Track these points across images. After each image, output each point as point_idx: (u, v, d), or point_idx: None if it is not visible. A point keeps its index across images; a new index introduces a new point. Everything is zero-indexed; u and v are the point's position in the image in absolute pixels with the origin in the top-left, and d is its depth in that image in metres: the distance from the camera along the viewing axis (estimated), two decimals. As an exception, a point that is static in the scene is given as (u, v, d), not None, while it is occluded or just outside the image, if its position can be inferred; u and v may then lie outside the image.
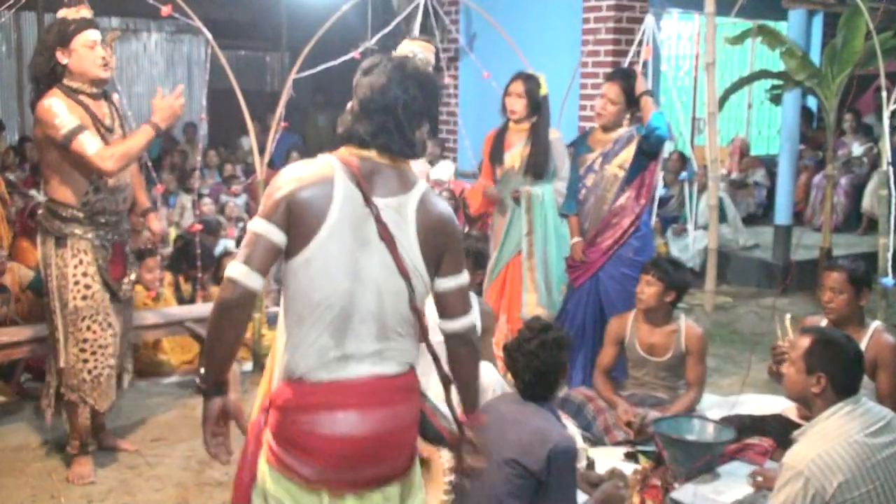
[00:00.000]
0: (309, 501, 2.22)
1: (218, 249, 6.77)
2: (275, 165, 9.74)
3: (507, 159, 5.24)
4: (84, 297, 3.95)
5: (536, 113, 5.17)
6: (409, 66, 2.26)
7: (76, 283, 3.94)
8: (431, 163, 9.07)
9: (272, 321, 5.76)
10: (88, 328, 3.97)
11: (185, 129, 11.12)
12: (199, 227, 6.24)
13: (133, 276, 4.21)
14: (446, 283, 2.31)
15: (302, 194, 2.16)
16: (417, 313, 2.26)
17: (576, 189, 4.96)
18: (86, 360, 3.97)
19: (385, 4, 8.60)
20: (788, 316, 4.05)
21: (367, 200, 2.18)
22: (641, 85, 4.76)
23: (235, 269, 2.15)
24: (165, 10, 5.34)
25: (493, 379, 3.88)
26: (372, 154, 2.23)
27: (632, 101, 4.76)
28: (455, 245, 2.30)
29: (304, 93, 10.34)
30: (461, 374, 2.41)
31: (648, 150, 4.74)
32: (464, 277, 2.34)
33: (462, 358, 2.39)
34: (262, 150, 5.80)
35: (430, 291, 2.31)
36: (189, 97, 12.31)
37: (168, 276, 6.02)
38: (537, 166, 5.15)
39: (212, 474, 4.13)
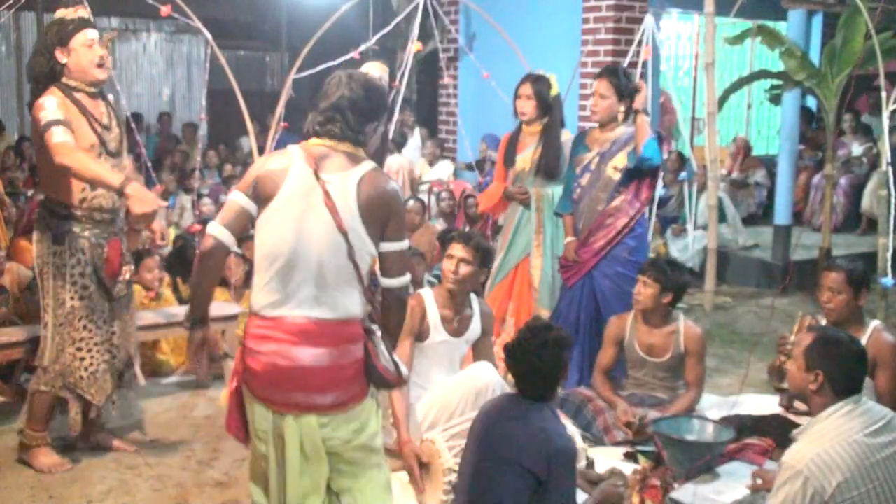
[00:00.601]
0: (262, 413, 2.76)
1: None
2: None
3: (519, 161, 5.23)
4: (81, 298, 3.96)
5: (548, 114, 5.16)
6: (357, 75, 2.84)
7: (74, 283, 3.95)
8: (431, 163, 9.07)
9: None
10: (85, 327, 3.98)
11: (184, 130, 11.11)
12: (198, 227, 6.24)
13: (128, 276, 4.19)
14: (388, 247, 2.78)
15: (264, 173, 2.75)
16: (355, 265, 2.70)
17: (571, 188, 4.96)
18: (82, 358, 3.99)
19: (385, 5, 8.61)
20: (809, 316, 4.08)
21: (316, 176, 2.70)
22: (640, 101, 4.76)
23: (213, 227, 2.76)
24: (165, 10, 5.35)
25: (492, 379, 3.88)
26: (325, 142, 2.76)
27: (622, 96, 4.76)
28: (395, 216, 2.76)
29: (303, 93, 10.32)
30: (389, 320, 2.88)
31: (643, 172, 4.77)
32: (402, 244, 2.80)
33: (391, 308, 2.86)
34: (261, 151, 5.80)
35: (371, 253, 2.75)
36: (189, 97, 12.34)
37: (167, 277, 6.01)
38: (548, 167, 5.12)
39: (211, 474, 4.13)
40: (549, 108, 5.14)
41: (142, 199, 3.57)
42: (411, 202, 7.52)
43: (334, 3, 6.50)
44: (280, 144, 7.64)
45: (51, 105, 3.79)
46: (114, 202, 4.04)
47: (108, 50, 4.08)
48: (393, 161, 8.36)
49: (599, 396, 4.48)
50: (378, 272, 2.84)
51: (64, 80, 3.92)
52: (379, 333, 2.82)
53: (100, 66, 3.95)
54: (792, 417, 4.09)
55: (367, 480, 2.84)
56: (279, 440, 2.74)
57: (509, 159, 5.28)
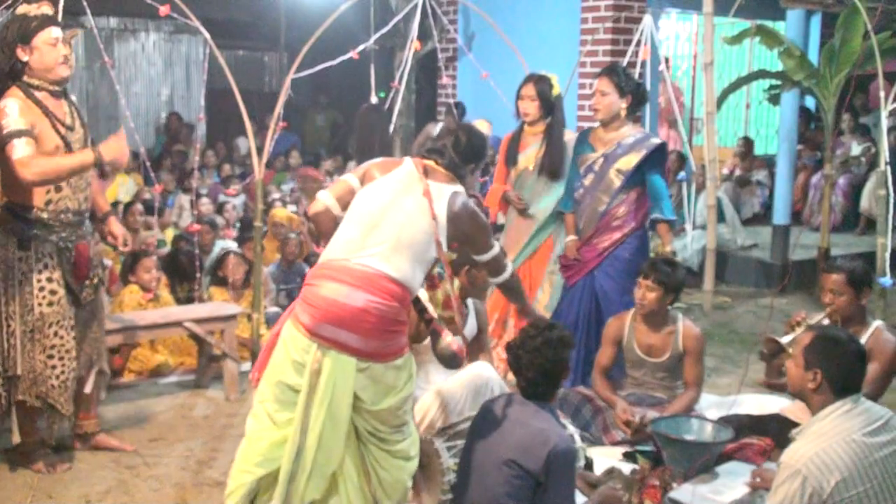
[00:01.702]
0: (305, 346, 3.02)
1: (215, 250, 6.76)
2: (273, 165, 9.76)
3: (521, 160, 5.22)
4: (50, 304, 3.88)
5: (550, 114, 5.15)
6: (464, 124, 3.43)
7: (41, 288, 3.86)
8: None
9: (270, 321, 5.75)
10: (55, 334, 3.90)
11: (183, 130, 11.11)
12: (197, 227, 6.23)
13: (95, 280, 4.11)
14: (483, 258, 3.35)
15: (378, 163, 3.33)
16: (437, 245, 3.13)
17: (573, 187, 4.96)
18: (54, 367, 3.90)
19: (383, 4, 8.59)
20: (804, 312, 4.11)
21: (422, 176, 3.18)
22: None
23: (323, 194, 3.33)
24: (164, 9, 5.34)
25: (492, 378, 3.88)
26: (431, 163, 3.27)
27: (623, 92, 4.77)
28: (476, 232, 3.26)
29: (302, 93, 10.33)
30: (511, 300, 3.87)
31: None
32: (493, 251, 3.34)
33: (507, 293, 3.66)
34: (259, 151, 5.79)
35: (444, 248, 3.17)
36: (188, 97, 12.33)
37: (165, 278, 6.00)
38: (552, 167, 5.11)
39: (210, 474, 4.13)
40: (551, 108, 5.14)
41: (117, 156, 3.82)
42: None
43: (333, 2, 6.48)
44: (279, 144, 7.63)
45: (13, 111, 3.70)
46: (79, 203, 3.96)
47: (71, 48, 3.97)
48: None
49: (599, 396, 4.48)
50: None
51: (25, 78, 3.82)
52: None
53: (63, 63, 3.85)
54: (790, 417, 4.09)
55: (392, 452, 3.13)
56: (315, 376, 2.99)
57: (511, 159, 5.27)
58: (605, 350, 4.57)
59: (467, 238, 3.27)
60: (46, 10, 3.89)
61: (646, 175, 4.80)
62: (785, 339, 3.89)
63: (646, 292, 4.39)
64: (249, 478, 3.08)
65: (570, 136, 5.22)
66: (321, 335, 2.99)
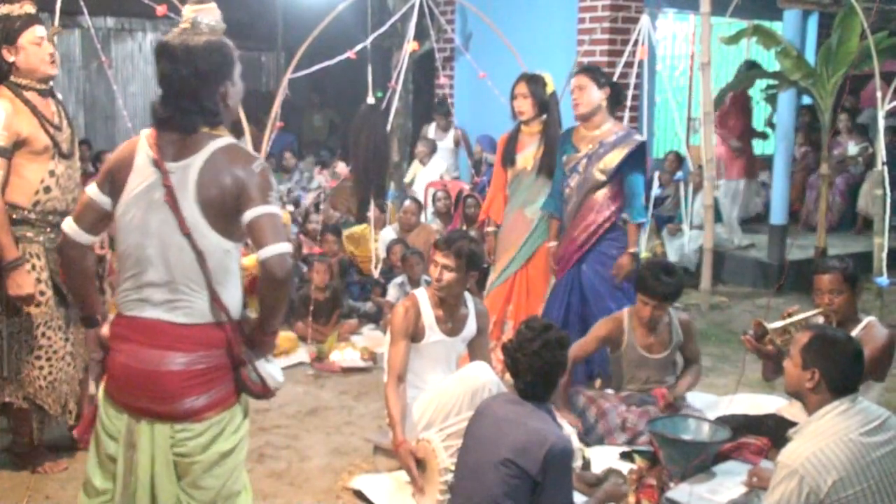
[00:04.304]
0: (117, 418, 2.55)
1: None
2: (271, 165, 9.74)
3: (520, 161, 5.22)
4: (38, 304, 3.87)
5: (545, 112, 5.16)
6: (165, 49, 2.53)
7: None
8: (422, 161, 8.99)
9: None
10: (44, 335, 3.89)
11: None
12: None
13: None
14: (248, 215, 2.43)
15: (115, 163, 2.55)
16: (204, 269, 2.44)
17: (560, 188, 4.98)
18: (41, 367, 3.90)
19: (381, 4, 8.60)
20: (797, 306, 4.13)
21: (157, 165, 2.46)
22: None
23: (65, 222, 2.61)
24: (161, 9, 5.34)
25: (489, 378, 3.87)
26: (173, 133, 2.49)
27: (600, 84, 4.79)
28: (249, 184, 2.42)
29: (299, 93, 10.33)
30: (264, 298, 2.52)
31: None
32: (266, 209, 2.43)
33: (267, 284, 2.47)
34: (257, 151, 5.79)
35: (225, 249, 2.47)
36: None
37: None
38: (551, 166, 5.09)
39: (208, 474, 4.12)
40: (545, 105, 5.14)
41: (18, 283, 3.74)
42: (408, 202, 7.53)
43: (330, 2, 6.49)
44: (276, 144, 7.62)
45: (0, 119, 3.68)
46: (67, 205, 3.92)
47: (55, 45, 3.95)
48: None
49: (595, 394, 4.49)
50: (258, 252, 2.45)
51: (13, 79, 3.81)
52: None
53: (50, 62, 3.84)
54: (787, 416, 4.10)
55: None
56: (130, 448, 2.52)
57: (509, 159, 5.26)
58: (588, 344, 4.55)
59: (227, 209, 2.43)
60: (29, 8, 3.86)
61: (625, 174, 4.80)
62: (772, 326, 3.89)
63: (653, 311, 4.45)
64: None
65: None
66: (128, 405, 2.52)
